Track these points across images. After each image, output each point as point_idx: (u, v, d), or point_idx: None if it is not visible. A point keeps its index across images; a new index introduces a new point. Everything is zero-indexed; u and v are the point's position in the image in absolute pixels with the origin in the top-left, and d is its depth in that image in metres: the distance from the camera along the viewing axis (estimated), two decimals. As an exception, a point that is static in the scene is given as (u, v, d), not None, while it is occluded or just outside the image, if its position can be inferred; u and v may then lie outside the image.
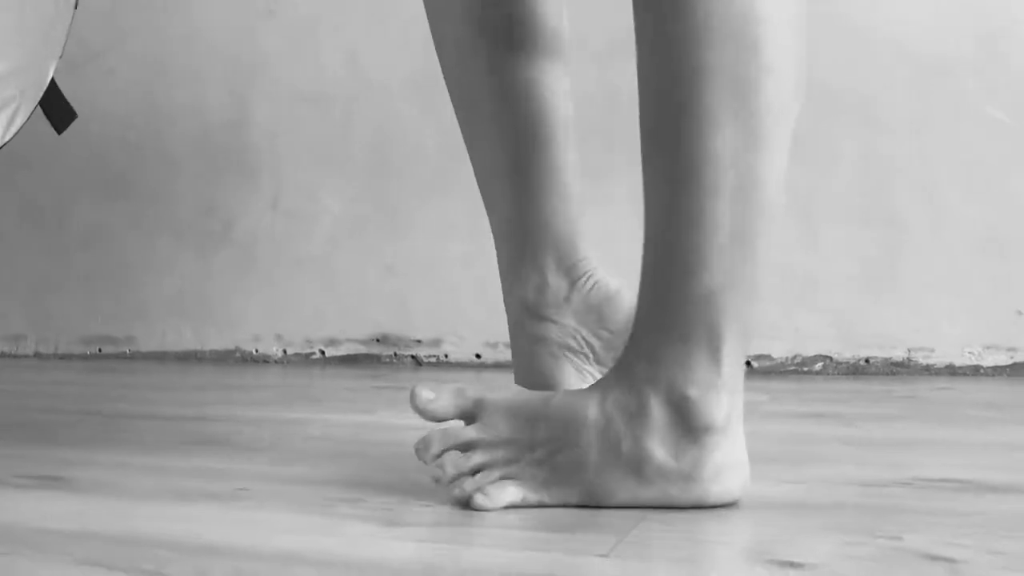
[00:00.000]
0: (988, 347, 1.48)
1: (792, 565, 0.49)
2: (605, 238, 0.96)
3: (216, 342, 1.94)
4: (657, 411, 0.59)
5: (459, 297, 1.75)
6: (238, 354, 1.92)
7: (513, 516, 0.60)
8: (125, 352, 2.01)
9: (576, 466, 0.60)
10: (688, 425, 0.59)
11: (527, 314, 0.81)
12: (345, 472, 0.74)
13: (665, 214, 0.60)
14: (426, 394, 0.64)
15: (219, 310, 1.93)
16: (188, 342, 1.96)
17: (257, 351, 1.91)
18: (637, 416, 0.59)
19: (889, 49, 1.50)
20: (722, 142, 0.57)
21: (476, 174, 0.84)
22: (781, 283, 1.52)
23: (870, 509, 0.61)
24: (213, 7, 1.92)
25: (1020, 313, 1.46)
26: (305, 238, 1.87)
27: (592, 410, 0.60)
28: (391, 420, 1.04)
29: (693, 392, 0.59)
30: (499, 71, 0.79)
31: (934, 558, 0.50)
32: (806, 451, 0.82)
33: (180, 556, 0.52)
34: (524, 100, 0.79)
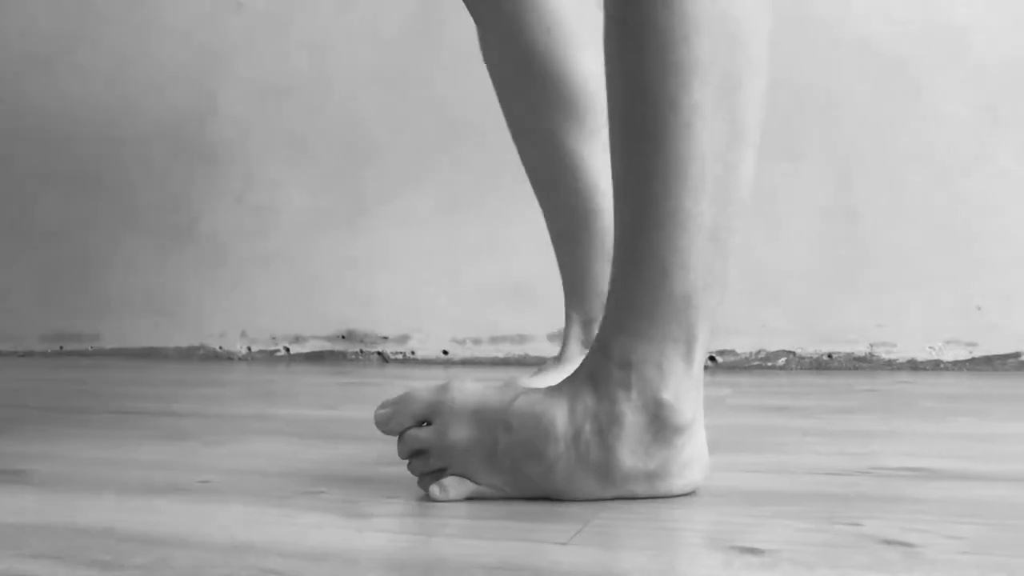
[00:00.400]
0: (949, 342, 1.50)
1: (752, 551, 0.49)
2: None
3: (180, 339, 1.92)
4: (631, 417, 0.58)
5: (427, 292, 1.75)
6: (202, 351, 1.90)
7: (476, 507, 0.59)
8: (88, 349, 1.98)
9: (542, 475, 0.59)
10: (661, 429, 0.58)
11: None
12: (307, 466, 0.74)
13: (644, 212, 0.57)
14: (380, 413, 0.62)
15: (184, 306, 1.91)
16: (152, 339, 1.94)
17: (222, 348, 1.89)
18: (609, 425, 0.58)
19: (853, 46, 1.52)
20: (709, 138, 0.56)
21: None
22: (747, 279, 1.53)
23: (829, 497, 0.61)
24: (180, 1, 1.90)
25: (980, 308, 1.49)
26: (272, 233, 1.86)
27: (560, 419, 0.58)
28: (354, 415, 1.04)
29: (668, 396, 0.58)
30: (563, 145, 0.92)
31: (891, 543, 0.51)
32: (767, 441, 0.82)
33: (141, 548, 0.51)
34: (581, 172, 0.92)
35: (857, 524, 0.55)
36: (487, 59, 0.95)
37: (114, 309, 1.95)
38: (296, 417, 1.02)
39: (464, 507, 0.60)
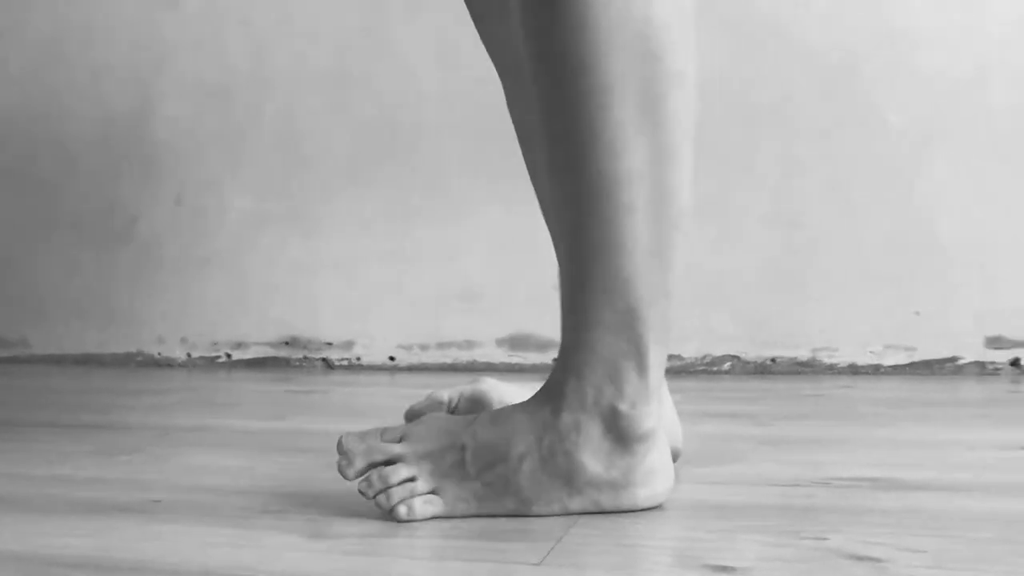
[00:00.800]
0: (888, 346, 1.53)
1: (724, 569, 0.49)
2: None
3: (117, 344, 1.87)
4: (589, 427, 0.59)
5: (372, 297, 1.73)
6: (140, 357, 1.86)
7: (443, 525, 0.59)
8: (18, 355, 1.92)
9: (506, 481, 0.59)
10: (620, 437, 0.59)
11: None
12: (263, 482, 0.72)
13: (578, 237, 0.58)
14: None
15: (121, 311, 1.86)
16: (87, 344, 1.88)
17: (160, 354, 1.85)
18: (568, 432, 0.59)
19: (799, 54, 1.54)
20: (631, 158, 0.55)
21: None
22: (693, 285, 1.54)
23: (792, 510, 0.62)
24: (115, 0, 1.86)
25: (918, 314, 1.52)
26: (211, 236, 1.82)
27: (524, 424, 0.60)
28: (305, 426, 1.02)
29: (624, 406, 0.59)
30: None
31: (859, 558, 0.51)
32: (725, 451, 0.83)
33: (93, 575, 0.49)
34: None
35: (823, 539, 0.55)
36: (513, 114, 0.91)
37: (47, 313, 1.90)
38: (243, 428, 1.00)
39: (432, 526, 0.59)
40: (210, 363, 1.82)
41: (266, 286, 1.79)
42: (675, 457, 0.73)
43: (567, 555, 0.52)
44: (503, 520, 0.59)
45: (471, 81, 1.65)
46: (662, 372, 0.61)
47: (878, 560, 0.51)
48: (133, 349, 1.86)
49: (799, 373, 1.55)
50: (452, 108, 1.67)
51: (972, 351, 1.51)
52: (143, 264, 1.85)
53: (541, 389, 0.62)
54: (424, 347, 1.71)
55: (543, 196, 0.80)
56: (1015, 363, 1.49)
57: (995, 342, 1.50)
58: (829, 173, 1.53)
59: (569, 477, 0.59)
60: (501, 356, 1.67)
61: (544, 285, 1.61)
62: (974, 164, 1.50)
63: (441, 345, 1.70)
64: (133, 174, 1.86)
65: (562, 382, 0.60)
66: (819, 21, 1.53)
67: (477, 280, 1.65)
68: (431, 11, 1.69)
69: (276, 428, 1.00)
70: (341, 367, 1.75)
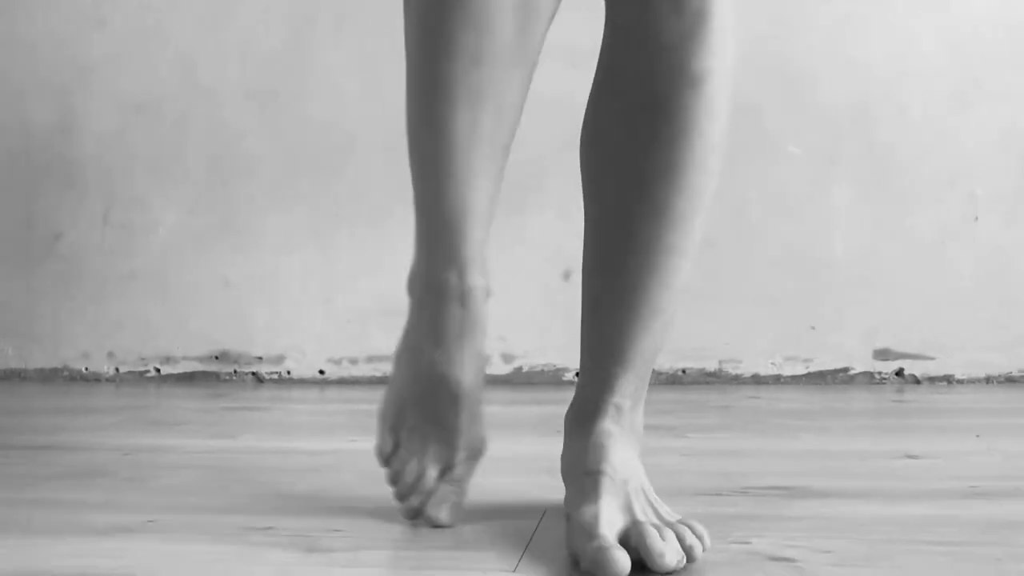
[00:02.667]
0: (788, 358, 1.67)
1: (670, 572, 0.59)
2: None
3: (41, 360, 1.87)
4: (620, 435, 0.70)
5: (301, 312, 1.78)
6: (66, 372, 1.86)
7: (425, 536, 0.66)
8: (-62, 371, 1.90)
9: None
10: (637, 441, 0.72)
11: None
12: (244, 500, 0.78)
13: (630, 314, 0.69)
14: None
15: (44, 326, 1.87)
16: (9, 360, 1.88)
17: (87, 369, 1.86)
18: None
19: (704, 90, 1.66)
20: (693, 238, 0.71)
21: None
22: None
23: (719, 516, 0.72)
24: (38, 14, 1.86)
25: (814, 328, 1.66)
26: (138, 252, 1.84)
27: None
28: (258, 444, 1.08)
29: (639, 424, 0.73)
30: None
31: (778, 559, 0.61)
32: (651, 464, 0.92)
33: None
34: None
35: (746, 543, 0.65)
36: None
37: (-34, 329, 1.89)
38: (199, 448, 1.06)
39: (413, 535, 0.66)
40: (139, 378, 1.84)
41: (195, 301, 1.82)
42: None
43: (537, 560, 0.61)
44: (476, 529, 0.67)
45: (395, 100, 1.71)
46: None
47: (793, 560, 0.61)
48: (58, 364, 1.87)
49: (708, 383, 1.67)
50: (377, 126, 1.73)
51: (862, 362, 1.65)
52: (68, 280, 1.86)
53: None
54: (353, 361, 1.77)
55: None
56: (899, 373, 1.64)
57: (882, 354, 1.65)
58: (735, 198, 1.65)
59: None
60: (429, 369, 1.74)
61: (470, 302, 1.68)
62: (862, 192, 1.64)
63: (371, 359, 1.77)
64: (56, 191, 1.86)
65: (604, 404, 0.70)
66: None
67: (404, 294, 1.72)
68: (357, 31, 1.75)
69: (231, 447, 1.06)
70: (271, 381, 1.80)
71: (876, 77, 1.63)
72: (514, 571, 0.59)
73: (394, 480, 0.70)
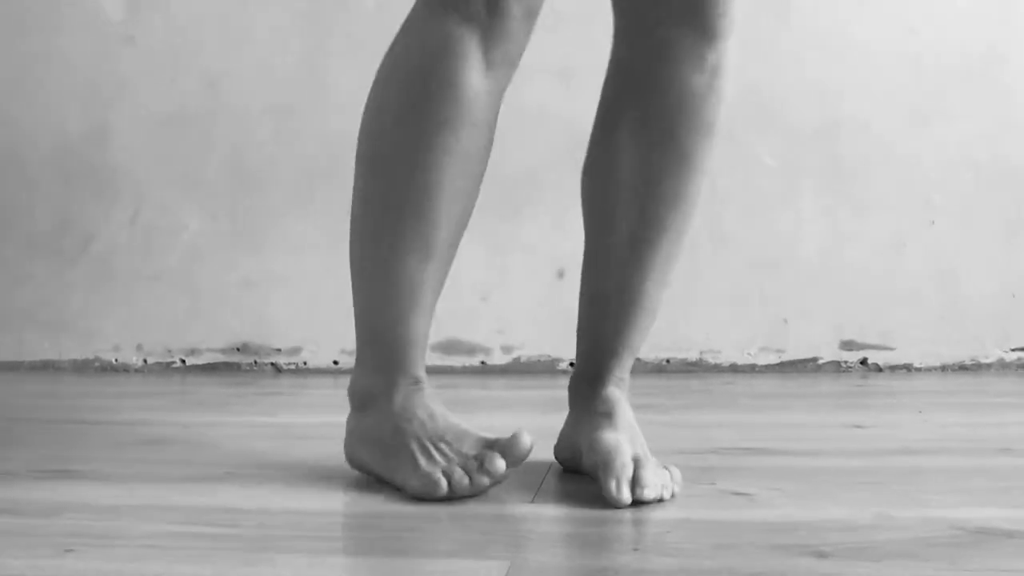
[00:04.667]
0: (762, 349, 1.83)
1: (644, 502, 0.75)
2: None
3: (74, 352, 2.02)
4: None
5: (317, 308, 1.93)
6: (97, 363, 2.01)
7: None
8: (-21, 363, 2.05)
9: None
10: None
11: None
12: (300, 457, 0.94)
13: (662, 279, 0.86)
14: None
15: (77, 321, 2.02)
16: (46, 352, 2.03)
17: (117, 360, 2.01)
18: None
19: (686, 105, 1.82)
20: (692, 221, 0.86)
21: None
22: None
23: (691, 468, 0.88)
24: (70, 31, 2.01)
25: (786, 322, 1.82)
26: (165, 252, 1.99)
27: None
28: (294, 420, 1.24)
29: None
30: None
31: (738, 494, 0.78)
32: (646, 433, 1.09)
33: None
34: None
35: (713, 484, 0.81)
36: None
37: (4, 324, 2.03)
38: (248, 423, 1.21)
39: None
40: (165, 368, 1.99)
41: (217, 298, 1.97)
42: None
43: (551, 495, 0.77)
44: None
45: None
46: None
47: (749, 495, 0.77)
48: (90, 356, 2.01)
49: (689, 372, 1.84)
50: (391, 142, 1.89)
51: (829, 352, 1.82)
52: (99, 278, 2.01)
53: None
54: (366, 352, 1.93)
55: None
56: (864, 362, 1.81)
57: (848, 345, 1.82)
58: (712, 204, 1.82)
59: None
60: (435, 360, 1.90)
61: (470, 296, 1.85)
62: (829, 200, 1.81)
63: (382, 351, 1.92)
64: (89, 197, 2.01)
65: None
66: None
67: (413, 293, 1.88)
68: (368, 50, 1.90)
69: (272, 422, 1.22)
70: (289, 371, 1.96)
71: (842, 96, 1.80)
72: (531, 502, 0.75)
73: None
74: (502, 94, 0.78)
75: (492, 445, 0.76)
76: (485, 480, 0.75)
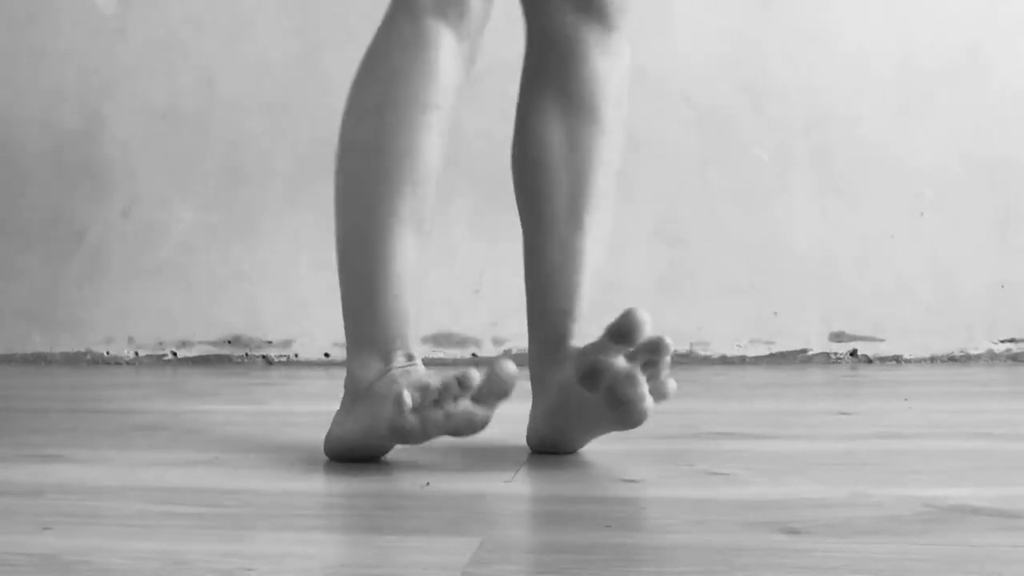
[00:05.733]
0: (752, 341, 1.84)
1: (632, 482, 0.76)
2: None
3: (66, 344, 2.02)
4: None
5: (308, 301, 1.94)
6: (88, 356, 2.02)
7: (440, 456, 0.83)
8: (-29, 356, 2.05)
9: None
10: None
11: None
12: (288, 443, 0.95)
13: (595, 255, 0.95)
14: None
15: (69, 314, 2.02)
16: (37, 345, 2.03)
17: (108, 353, 2.01)
18: None
19: (678, 98, 1.83)
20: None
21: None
22: (591, 292, 1.82)
23: (675, 451, 0.88)
24: (64, 25, 2.01)
25: (776, 314, 1.83)
26: (157, 246, 2.00)
27: None
28: (285, 408, 1.24)
29: None
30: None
31: (715, 473, 0.78)
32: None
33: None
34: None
35: (693, 465, 0.82)
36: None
37: (-4, 317, 2.04)
38: (239, 411, 1.22)
39: (422, 452, 0.83)
40: (156, 360, 1.99)
41: (210, 292, 1.98)
42: None
43: (531, 476, 0.77)
44: (464, 451, 0.84)
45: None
46: None
47: (728, 475, 0.78)
48: (82, 348, 2.02)
49: (680, 364, 1.84)
50: (382, 135, 1.90)
51: (819, 344, 1.83)
52: (91, 271, 2.01)
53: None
54: (357, 345, 1.93)
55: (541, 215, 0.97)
56: (853, 353, 1.82)
57: (837, 337, 1.83)
58: (705, 199, 1.83)
59: None
60: (425, 352, 1.90)
61: (460, 289, 1.86)
62: (818, 194, 1.82)
63: (373, 343, 1.93)
64: (82, 190, 2.02)
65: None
66: (698, 76, 1.83)
67: (404, 286, 1.88)
68: (362, 48, 1.91)
69: (263, 410, 1.22)
70: (280, 363, 1.96)
71: (832, 91, 1.81)
72: (508, 483, 0.76)
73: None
74: (470, 73, 0.91)
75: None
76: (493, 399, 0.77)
